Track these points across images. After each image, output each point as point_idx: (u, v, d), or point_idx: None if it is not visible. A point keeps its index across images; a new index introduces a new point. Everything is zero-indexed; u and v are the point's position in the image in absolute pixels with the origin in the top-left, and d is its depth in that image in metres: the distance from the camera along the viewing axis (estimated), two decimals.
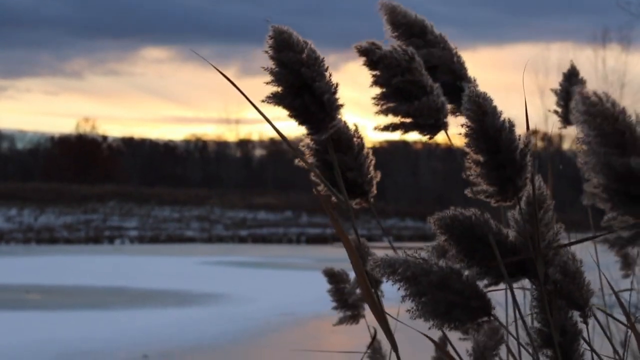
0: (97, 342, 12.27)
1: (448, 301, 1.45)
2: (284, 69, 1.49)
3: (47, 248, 37.56)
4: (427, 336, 1.58)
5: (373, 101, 1.54)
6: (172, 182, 62.24)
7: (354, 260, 1.53)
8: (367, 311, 2.36)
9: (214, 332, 13.48)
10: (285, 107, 1.51)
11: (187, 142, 72.49)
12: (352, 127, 1.57)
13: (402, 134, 1.55)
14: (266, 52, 1.51)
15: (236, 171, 67.18)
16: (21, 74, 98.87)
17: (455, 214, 1.49)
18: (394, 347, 1.53)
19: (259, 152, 73.05)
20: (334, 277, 2.52)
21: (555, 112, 2.60)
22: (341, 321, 2.53)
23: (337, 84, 1.51)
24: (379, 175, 1.63)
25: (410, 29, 1.67)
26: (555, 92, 2.59)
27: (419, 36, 1.67)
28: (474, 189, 1.53)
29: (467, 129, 1.46)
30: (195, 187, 61.52)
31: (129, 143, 72.30)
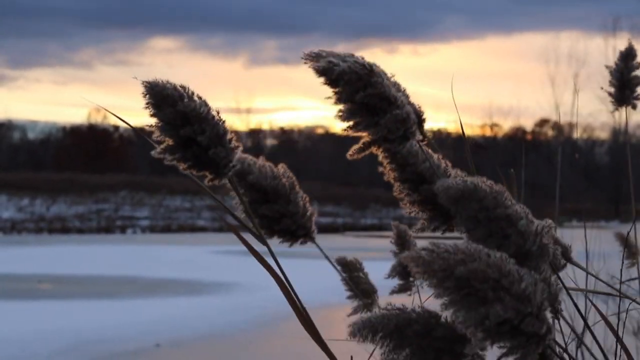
0: (109, 331, 12.31)
1: (435, 347, 1.43)
2: (167, 125, 1.49)
3: (59, 238, 37.65)
4: None
5: (338, 119, 1.49)
6: (183, 172, 62.10)
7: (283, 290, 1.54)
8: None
9: (225, 321, 13.50)
10: (178, 160, 1.52)
11: None
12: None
13: (375, 150, 1.52)
14: (145, 108, 1.49)
15: None
16: (31, 64, 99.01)
17: (370, 319, 1.47)
18: None
19: (269, 142, 73.11)
20: (348, 266, 2.51)
21: (608, 92, 2.55)
22: (355, 310, 2.53)
23: (225, 130, 1.49)
24: (313, 214, 1.63)
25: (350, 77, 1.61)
26: (610, 71, 2.54)
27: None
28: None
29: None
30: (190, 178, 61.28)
31: (140, 133, 72.14)
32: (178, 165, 1.52)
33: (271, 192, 1.58)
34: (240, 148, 1.52)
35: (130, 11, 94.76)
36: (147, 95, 1.48)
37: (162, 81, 1.48)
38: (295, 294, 1.49)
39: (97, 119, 70.27)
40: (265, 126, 75.09)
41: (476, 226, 1.38)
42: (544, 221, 1.43)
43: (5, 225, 42.21)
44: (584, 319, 1.68)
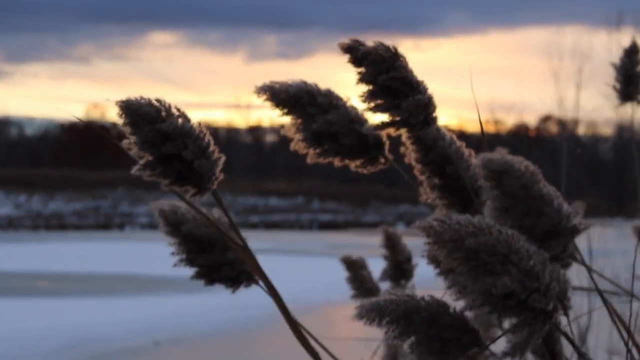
0: (108, 329, 12.28)
1: (442, 337, 1.43)
2: (146, 143, 1.45)
3: (57, 235, 37.67)
4: None
5: (360, 99, 1.54)
6: (164, 189, 62.25)
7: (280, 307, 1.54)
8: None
9: (225, 318, 13.49)
10: (160, 176, 1.47)
11: None
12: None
13: (394, 132, 1.54)
14: (123, 127, 1.46)
15: (247, 157, 67.32)
16: (28, 59, 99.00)
17: (379, 302, 1.47)
18: None
19: (270, 138, 73.16)
20: (352, 265, 2.48)
21: (614, 87, 2.57)
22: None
23: (208, 142, 1.45)
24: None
25: (297, 101, 1.61)
26: (615, 67, 2.56)
27: (309, 105, 1.61)
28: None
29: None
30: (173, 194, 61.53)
31: None
32: (159, 181, 1.48)
33: (206, 242, 1.59)
34: (223, 159, 1.48)
35: (128, 6, 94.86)
36: (123, 115, 1.45)
37: (136, 99, 1.43)
38: (283, 303, 1.50)
39: (94, 115, 70.39)
40: (265, 122, 75.04)
41: (515, 203, 1.39)
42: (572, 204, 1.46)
43: (2, 221, 42.23)
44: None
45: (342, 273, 2.55)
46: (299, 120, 1.59)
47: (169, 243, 1.59)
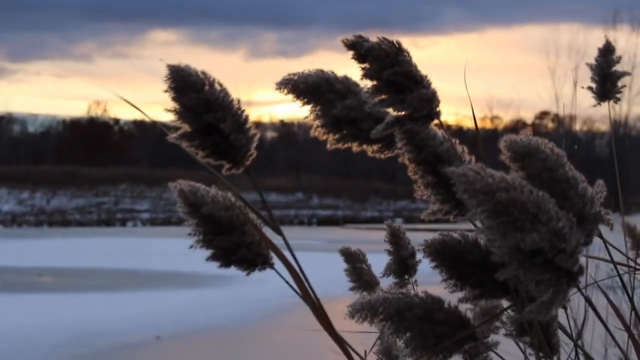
0: (110, 324, 12.32)
1: (436, 333, 1.44)
2: (188, 111, 1.47)
3: (59, 231, 37.67)
4: None
5: (364, 96, 1.54)
6: (183, 165, 62.23)
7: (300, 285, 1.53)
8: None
9: (226, 313, 13.52)
10: (197, 147, 1.50)
11: None
12: None
13: (399, 129, 1.53)
14: (166, 92, 1.47)
15: None
16: (30, 57, 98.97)
17: (445, 240, 1.47)
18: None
19: (269, 135, 73.06)
20: (351, 257, 2.49)
21: (589, 88, 2.60)
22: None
23: (246, 118, 1.49)
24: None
25: (316, 89, 1.65)
26: (590, 67, 2.59)
27: (327, 92, 1.65)
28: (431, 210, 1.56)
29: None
30: (206, 169, 61.49)
31: (140, 126, 72.45)
32: (196, 152, 1.50)
33: (225, 223, 1.58)
34: (258, 137, 1.51)
35: (129, 4, 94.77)
36: (170, 80, 1.46)
37: (186, 66, 1.46)
38: (310, 285, 1.49)
39: (97, 111, 70.33)
40: (266, 119, 74.94)
41: (539, 186, 1.35)
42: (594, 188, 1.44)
43: (5, 218, 42.25)
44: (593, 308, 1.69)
45: (341, 268, 2.58)
46: (318, 107, 1.62)
47: (187, 224, 1.59)
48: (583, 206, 1.38)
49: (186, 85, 1.46)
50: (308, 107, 1.62)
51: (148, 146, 67.38)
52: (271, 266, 1.62)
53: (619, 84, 2.58)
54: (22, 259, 22.31)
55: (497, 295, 1.47)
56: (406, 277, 2.50)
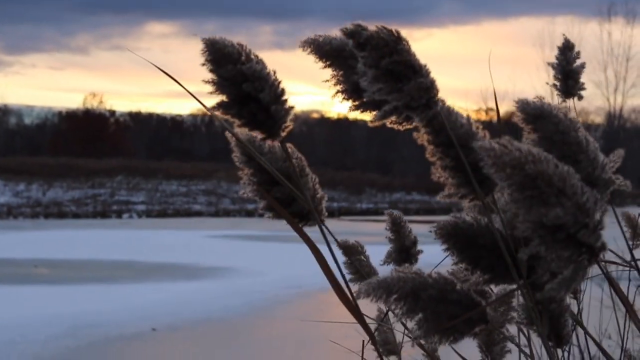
0: (106, 316, 12.33)
1: (449, 313, 1.44)
2: (226, 81, 1.48)
3: (55, 222, 37.66)
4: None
5: (363, 83, 1.51)
6: (179, 157, 62.28)
7: (322, 263, 1.53)
8: None
9: (222, 305, 13.53)
10: (234, 116, 1.51)
11: (193, 117, 72.46)
12: None
13: (396, 118, 1.52)
14: (204, 65, 1.48)
15: None
16: (26, 49, 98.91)
17: (457, 222, 1.47)
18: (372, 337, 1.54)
19: None
20: (350, 250, 2.51)
21: (554, 85, 2.64)
22: (358, 295, 2.53)
23: (282, 90, 1.50)
24: (323, 198, 1.63)
25: (339, 53, 1.65)
26: (552, 66, 2.63)
27: (350, 57, 1.65)
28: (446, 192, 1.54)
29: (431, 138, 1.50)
30: (202, 161, 61.61)
31: (136, 118, 72.36)
32: (233, 121, 1.51)
33: (283, 175, 1.57)
34: (295, 109, 1.53)
35: None
36: (207, 52, 1.48)
37: (221, 38, 1.48)
38: (337, 278, 1.49)
39: (92, 103, 70.24)
40: None
41: (551, 147, 1.39)
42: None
43: (1, 210, 42.21)
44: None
45: (339, 259, 2.59)
46: (340, 72, 1.62)
47: (241, 174, 1.58)
48: (593, 170, 1.38)
49: (222, 56, 1.47)
50: (329, 71, 1.62)
51: (144, 138, 67.40)
52: (322, 222, 1.62)
53: (581, 80, 2.62)
54: (18, 251, 22.31)
55: (507, 280, 1.47)
56: (406, 265, 2.51)
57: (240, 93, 1.49)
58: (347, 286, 1.52)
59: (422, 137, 1.52)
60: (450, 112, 1.51)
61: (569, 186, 1.21)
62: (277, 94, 1.51)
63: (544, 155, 1.21)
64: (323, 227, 1.63)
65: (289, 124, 1.53)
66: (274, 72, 1.51)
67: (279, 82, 1.51)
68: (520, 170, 1.20)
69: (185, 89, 1.55)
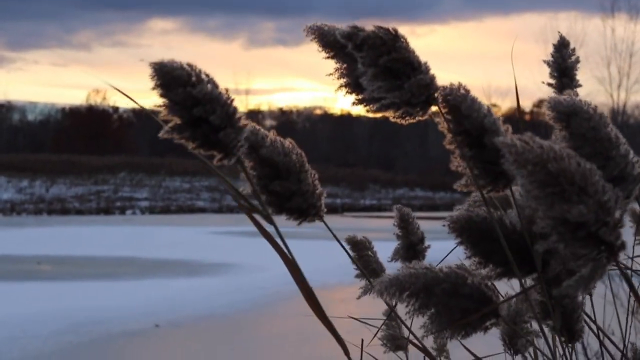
0: (109, 312, 12.34)
1: (462, 308, 1.44)
2: (176, 105, 1.46)
3: (59, 219, 37.69)
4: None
5: (363, 83, 1.51)
6: (182, 153, 62.27)
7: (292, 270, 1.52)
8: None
9: (225, 301, 13.54)
10: (187, 139, 1.49)
11: None
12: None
13: (395, 112, 1.51)
14: (153, 90, 1.46)
15: None
16: (29, 46, 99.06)
17: (471, 216, 1.47)
18: (346, 352, 1.53)
19: (268, 123, 73.04)
20: (357, 245, 2.49)
21: (549, 84, 2.65)
22: (365, 291, 2.51)
23: (235, 109, 1.48)
24: (322, 193, 1.61)
25: (343, 45, 1.63)
26: (547, 63, 2.64)
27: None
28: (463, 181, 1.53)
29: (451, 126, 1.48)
30: (198, 159, 61.58)
31: (139, 114, 72.44)
32: (186, 144, 1.49)
33: (283, 169, 1.56)
34: (249, 126, 1.50)
35: None
36: (155, 77, 1.45)
37: (169, 61, 1.45)
38: (301, 273, 1.48)
39: (96, 100, 70.30)
40: (264, 107, 75.19)
41: (583, 144, 1.40)
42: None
43: (4, 206, 42.27)
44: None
45: (339, 256, 2.57)
46: (344, 65, 1.59)
47: (240, 168, 1.56)
48: (625, 166, 1.41)
49: (171, 80, 1.44)
50: (332, 63, 1.60)
51: (147, 134, 67.38)
52: (321, 218, 1.61)
53: (576, 77, 2.62)
54: (21, 248, 22.33)
55: (520, 274, 1.47)
56: (414, 261, 2.49)
57: (191, 116, 1.46)
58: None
59: (443, 124, 1.51)
60: (473, 101, 1.49)
61: (590, 184, 1.20)
62: (229, 114, 1.47)
63: (566, 152, 1.20)
64: (324, 223, 1.63)
65: (243, 143, 1.49)
66: (226, 91, 1.48)
67: (232, 101, 1.48)
68: (543, 168, 1.19)
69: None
